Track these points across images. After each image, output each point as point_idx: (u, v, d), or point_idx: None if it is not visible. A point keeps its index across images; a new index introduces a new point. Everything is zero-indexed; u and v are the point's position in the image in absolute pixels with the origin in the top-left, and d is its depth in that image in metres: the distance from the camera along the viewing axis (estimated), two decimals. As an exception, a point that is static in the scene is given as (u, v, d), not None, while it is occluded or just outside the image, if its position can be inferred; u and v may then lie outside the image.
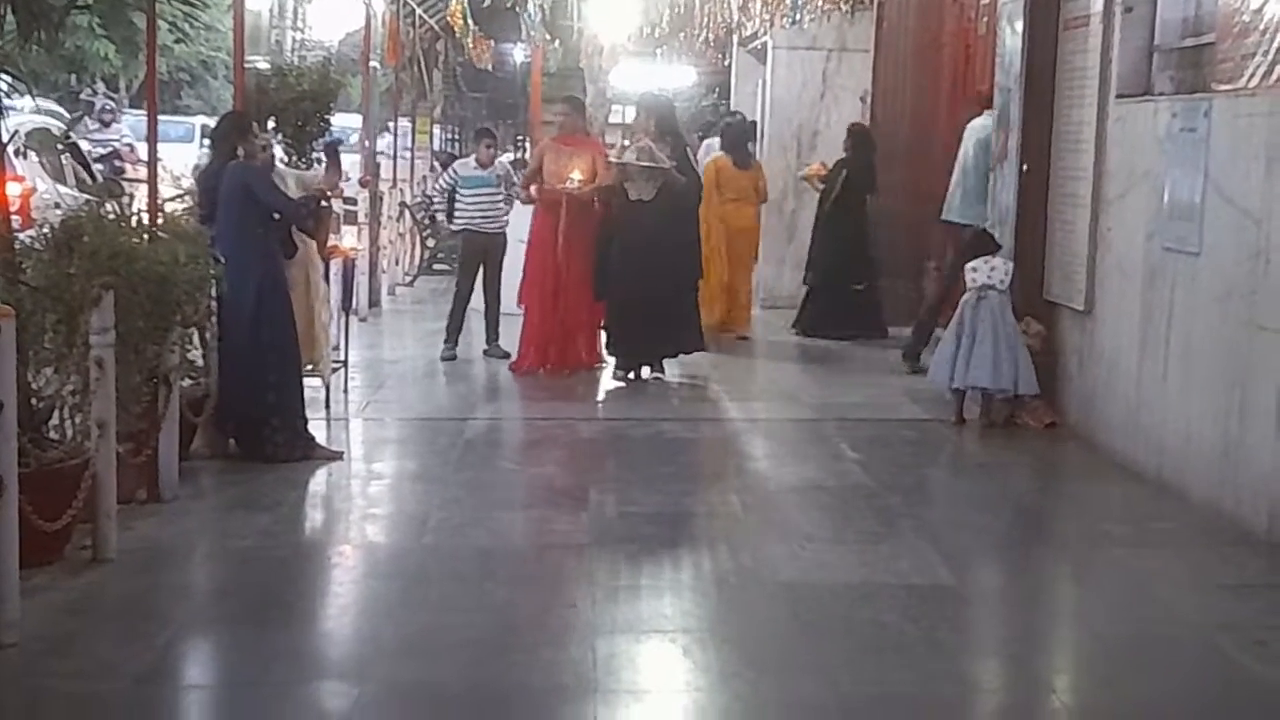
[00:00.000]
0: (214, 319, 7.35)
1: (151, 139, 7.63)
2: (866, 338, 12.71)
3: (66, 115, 16.74)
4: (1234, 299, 6.86)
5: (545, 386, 10.33)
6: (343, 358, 9.64)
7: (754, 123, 15.90)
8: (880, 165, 14.54)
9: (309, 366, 8.39)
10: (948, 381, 9.11)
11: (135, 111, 25.23)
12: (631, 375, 10.57)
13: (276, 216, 7.72)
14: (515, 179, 12.06)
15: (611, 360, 10.84)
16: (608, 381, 10.60)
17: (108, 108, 21.09)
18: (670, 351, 10.71)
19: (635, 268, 10.36)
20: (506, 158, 14.63)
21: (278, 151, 8.96)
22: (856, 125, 13.73)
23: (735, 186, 13.12)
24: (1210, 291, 7.11)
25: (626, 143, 10.65)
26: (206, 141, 26.51)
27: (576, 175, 10.48)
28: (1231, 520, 6.76)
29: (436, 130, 24.46)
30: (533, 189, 10.85)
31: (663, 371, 10.64)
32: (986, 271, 9.13)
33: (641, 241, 10.32)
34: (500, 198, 11.80)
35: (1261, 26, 6.62)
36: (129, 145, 19.20)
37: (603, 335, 10.85)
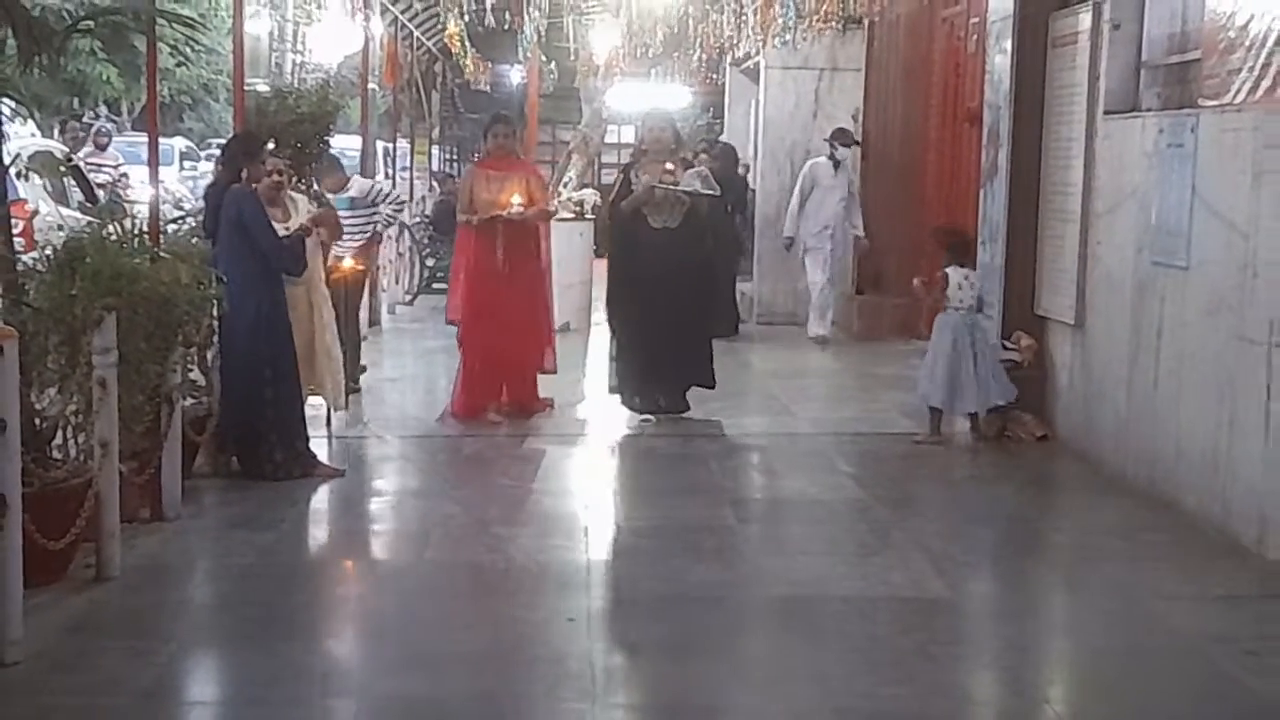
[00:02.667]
0: (215, 338, 7.41)
1: (153, 161, 7.71)
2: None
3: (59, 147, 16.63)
4: (1222, 312, 6.92)
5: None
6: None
7: (730, 146, 16.22)
8: (871, 182, 14.66)
9: (310, 388, 8.43)
10: (946, 405, 9.11)
11: (130, 134, 25.28)
12: (649, 417, 9.64)
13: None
14: (380, 200, 11.05)
15: (615, 396, 9.85)
16: (599, 403, 10.58)
17: (103, 130, 21.13)
18: (684, 387, 9.74)
19: (657, 300, 9.43)
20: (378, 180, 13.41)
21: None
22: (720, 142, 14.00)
23: None
24: (1199, 305, 7.18)
25: (669, 166, 9.54)
26: (186, 164, 26.50)
27: (517, 199, 9.48)
28: (1222, 531, 6.82)
29: (435, 151, 24.53)
30: (468, 217, 9.67)
31: (688, 408, 9.75)
32: (970, 290, 9.17)
33: (664, 272, 9.43)
34: (359, 221, 10.79)
35: (1247, 42, 6.69)
36: (123, 174, 19.18)
37: (610, 370, 9.93)
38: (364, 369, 10.77)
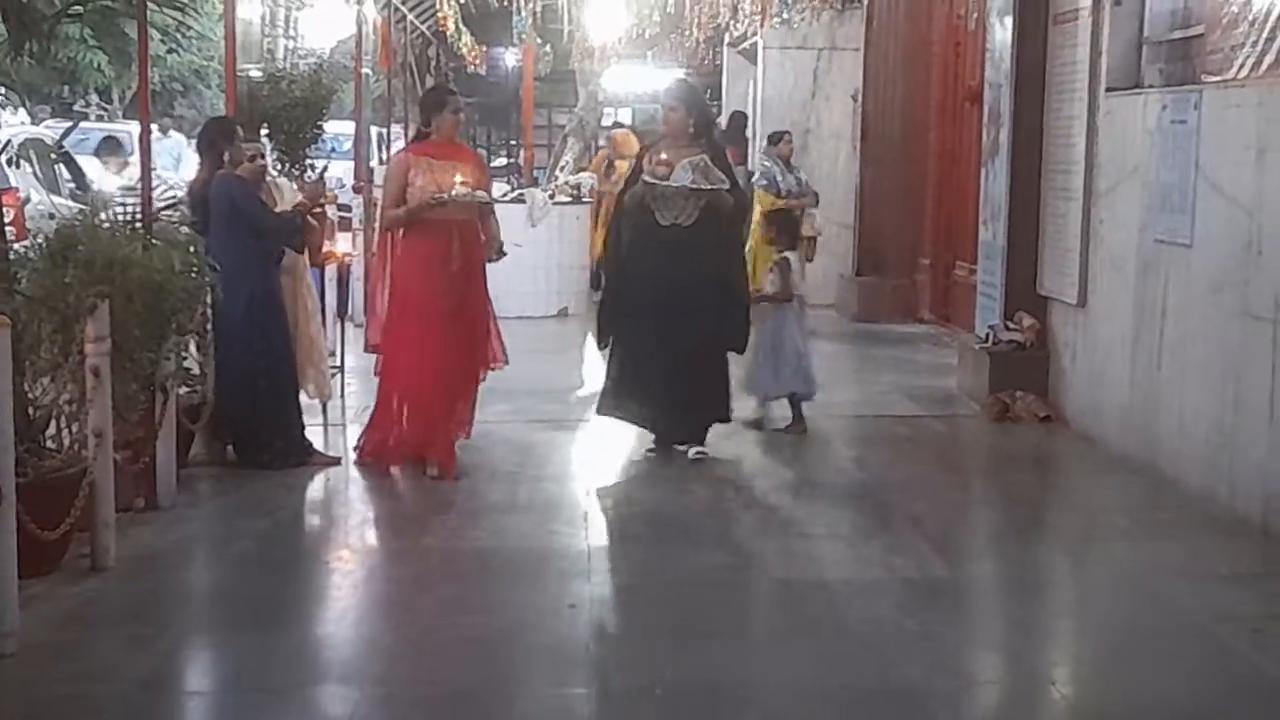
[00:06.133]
0: (209, 326, 7.36)
1: (144, 148, 7.63)
2: None
3: None
4: (1226, 289, 6.88)
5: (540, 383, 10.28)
6: (339, 363, 9.65)
7: (743, 114, 16.02)
8: (871, 163, 14.60)
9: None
10: (772, 393, 8.83)
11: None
12: (653, 450, 8.14)
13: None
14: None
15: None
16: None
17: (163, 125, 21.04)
18: (700, 422, 8.14)
19: (662, 310, 7.85)
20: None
21: (269, 161, 8.96)
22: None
23: None
24: (1203, 282, 7.13)
25: (664, 155, 7.90)
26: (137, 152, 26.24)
27: (460, 179, 7.60)
28: (1227, 510, 6.78)
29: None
30: (400, 210, 7.70)
31: (703, 442, 8.12)
32: (801, 275, 9.00)
33: (671, 278, 7.85)
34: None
35: (1250, 17, 6.64)
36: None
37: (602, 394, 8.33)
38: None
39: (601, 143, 17.19)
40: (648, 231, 7.97)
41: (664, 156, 7.89)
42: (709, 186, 7.88)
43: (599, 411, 8.28)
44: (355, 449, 7.99)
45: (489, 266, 7.95)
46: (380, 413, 7.94)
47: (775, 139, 13.24)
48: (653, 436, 8.14)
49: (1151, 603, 5.82)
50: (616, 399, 8.15)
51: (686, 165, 7.88)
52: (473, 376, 7.98)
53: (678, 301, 7.82)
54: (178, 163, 19.17)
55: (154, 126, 19.59)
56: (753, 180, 13.03)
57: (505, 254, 8.04)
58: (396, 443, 7.82)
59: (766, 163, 13.04)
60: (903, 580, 6.03)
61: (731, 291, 8.09)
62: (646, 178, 7.90)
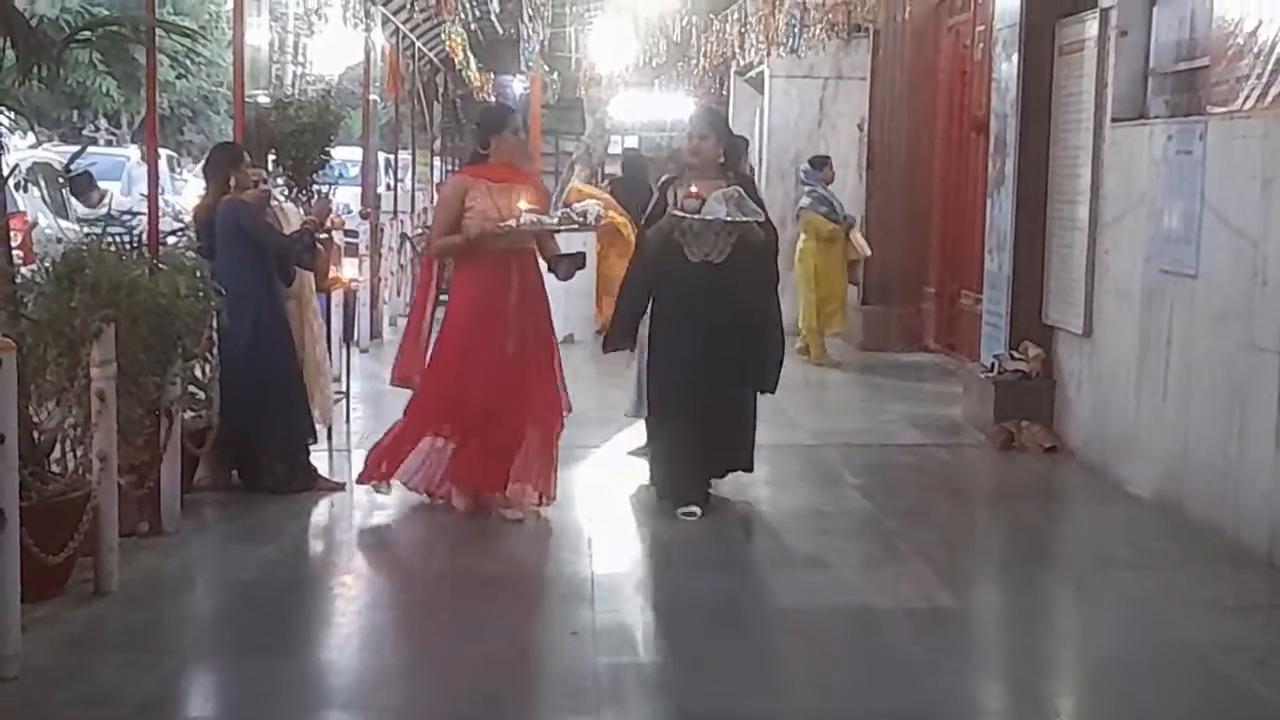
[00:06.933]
0: (215, 351, 7.36)
1: (152, 173, 7.66)
2: None
3: None
4: (1232, 320, 6.87)
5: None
6: (344, 389, 9.65)
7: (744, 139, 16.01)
8: (877, 192, 14.62)
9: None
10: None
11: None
12: (697, 510, 7.38)
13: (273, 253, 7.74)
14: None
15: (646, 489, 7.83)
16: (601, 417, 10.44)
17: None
18: (720, 471, 7.71)
19: (690, 353, 7.35)
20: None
21: (277, 188, 8.99)
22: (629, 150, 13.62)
23: None
24: (1208, 313, 7.13)
25: (695, 188, 7.33)
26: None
27: (525, 205, 7.19)
28: (1232, 541, 6.76)
29: (437, 162, 24.54)
30: (456, 238, 7.25)
31: (698, 507, 7.42)
32: None
33: (708, 318, 7.34)
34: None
35: (1255, 49, 6.65)
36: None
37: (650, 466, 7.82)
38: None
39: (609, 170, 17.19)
40: (676, 268, 7.42)
41: (695, 189, 7.35)
42: (744, 219, 7.35)
43: (650, 487, 7.73)
44: (360, 474, 7.60)
45: None
46: (399, 437, 7.46)
47: (820, 164, 13.29)
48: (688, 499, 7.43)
49: (1156, 633, 5.80)
50: (665, 463, 7.59)
51: (720, 197, 7.33)
52: (543, 424, 7.37)
53: (708, 343, 7.32)
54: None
55: (134, 151, 19.64)
56: (802, 206, 13.08)
57: (583, 266, 7.73)
58: (486, 476, 7.30)
59: (819, 188, 13.08)
60: (909, 610, 6.01)
61: (765, 330, 7.57)
62: (676, 212, 7.35)
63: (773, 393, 7.72)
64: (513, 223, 7.13)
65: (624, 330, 7.82)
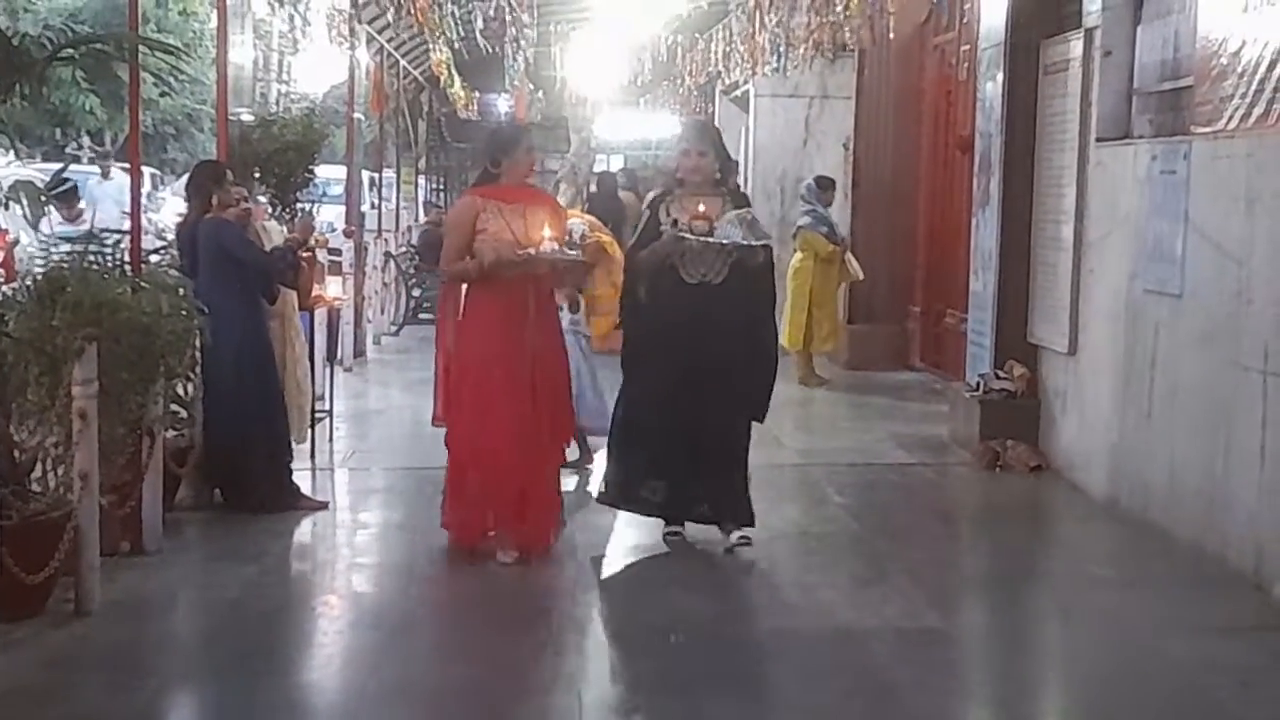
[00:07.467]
0: (198, 370, 7.32)
1: (135, 192, 7.62)
2: None
3: None
4: (1217, 339, 6.87)
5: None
6: (328, 408, 9.62)
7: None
8: (862, 211, 14.63)
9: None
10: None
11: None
12: (677, 530, 7.26)
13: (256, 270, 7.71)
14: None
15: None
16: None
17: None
18: (718, 513, 7.21)
19: (684, 379, 7.01)
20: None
21: (262, 205, 8.96)
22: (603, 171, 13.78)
23: None
24: (1193, 332, 7.13)
25: (703, 207, 7.00)
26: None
27: (549, 232, 6.82)
28: (1217, 561, 6.75)
29: (421, 180, 24.54)
30: (469, 264, 6.90)
31: (682, 527, 7.25)
32: None
33: (697, 343, 7.00)
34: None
35: (1239, 69, 6.66)
36: None
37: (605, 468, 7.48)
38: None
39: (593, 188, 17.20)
40: (671, 289, 7.07)
41: (703, 208, 6.99)
42: (758, 243, 7.06)
43: (601, 499, 7.41)
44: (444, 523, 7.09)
45: None
46: (452, 489, 7.06)
47: (825, 185, 13.30)
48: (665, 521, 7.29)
49: (1140, 653, 5.79)
50: (626, 485, 7.26)
51: (734, 219, 7.04)
52: (553, 450, 7.15)
53: (705, 366, 6.99)
54: (122, 206, 18.82)
55: (90, 170, 19.51)
56: (801, 225, 13.08)
57: (586, 279, 7.74)
58: (476, 521, 6.99)
59: (818, 208, 13.08)
60: (895, 629, 6.00)
61: (763, 355, 7.24)
62: (683, 233, 6.97)
63: (761, 421, 7.35)
64: (532, 251, 6.80)
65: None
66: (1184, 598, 6.48)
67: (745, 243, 7.00)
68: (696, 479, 7.14)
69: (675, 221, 7.08)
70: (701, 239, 6.95)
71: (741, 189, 7.49)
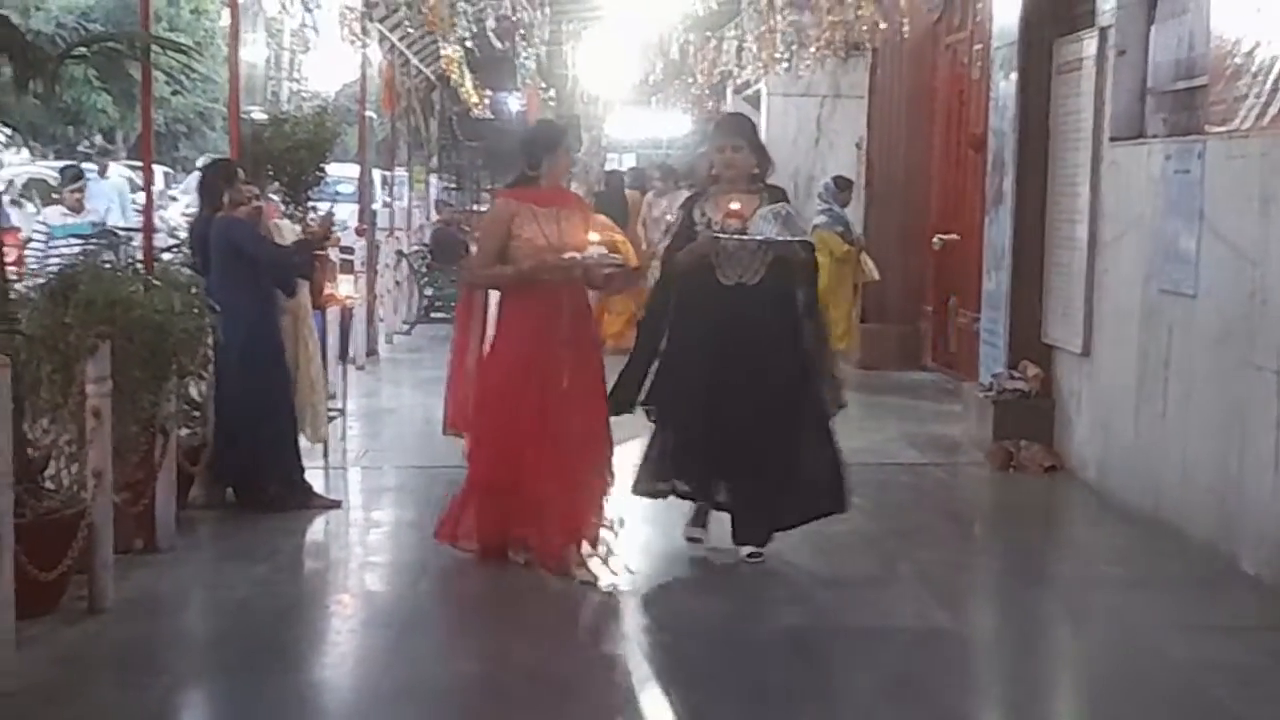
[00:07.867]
0: (210, 368, 7.33)
1: (148, 190, 7.64)
2: None
3: None
4: (1231, 340, 6.85)
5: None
6: (340, 406, 9.62)
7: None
8: (875, 210, 14.61)
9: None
10: None
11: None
12: (698, 534, 7.12)
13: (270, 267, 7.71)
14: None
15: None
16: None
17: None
18: (796, 518, 6.97)
19: (727, 383, 6.70)
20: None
21: (274, 204, 8.96)
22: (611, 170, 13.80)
23: None
24: (1207, 333, 7.11)
25: (736, 205, 6.68)
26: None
27: (596, 236, 6.70)
28: (1229, 561, 6.74)
29: (433, 179, 24.54)
30: (507, 269, 6.65)
31: (762, 547, 6.88)
32: None
33: (737, 345, 6.70)
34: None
35: (1253, 69, 6.64)
36: None
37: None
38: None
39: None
40: (708, 291, 6.76)
41: (736, 206, 6.66)
42: (794, 238, 6.76)
43: (636, 490, 7.06)
44: (436, 533, 6.89)
45: None
46: (472, 501, 6.79)
47: (843, 185, 13.27)
48: (691, 521, 7.10)
49: (1148, 654, 5.77)
50: (659, 473, 6.98)
51: (768, 215, 6.69)
52: (593, 467, 6.76)
53: (738, 370, 6.69)
54: (122, 204, 18.76)
55: (91, 166, 19.53)
56: (817, 224, 13.06)
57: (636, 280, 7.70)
58: (509, 528, 6.73)
59: (835, 207, 13.06)
60: (906, 629, 6.00)
61: (809, 356, 6.85)
62: (717, 233, 6.68)
63: (834, 414, 6.92)
64: (578, 256, 6.56)
65: (633, 380, 6.97)
66: (1194, 598, 6.47)
67: (780, 239, 6.70)
68: (723, 482, 6.94)
69: (709, 221, 6.80)
70: (738, 238, 6.67)
71: (777, 184, 7.09)
